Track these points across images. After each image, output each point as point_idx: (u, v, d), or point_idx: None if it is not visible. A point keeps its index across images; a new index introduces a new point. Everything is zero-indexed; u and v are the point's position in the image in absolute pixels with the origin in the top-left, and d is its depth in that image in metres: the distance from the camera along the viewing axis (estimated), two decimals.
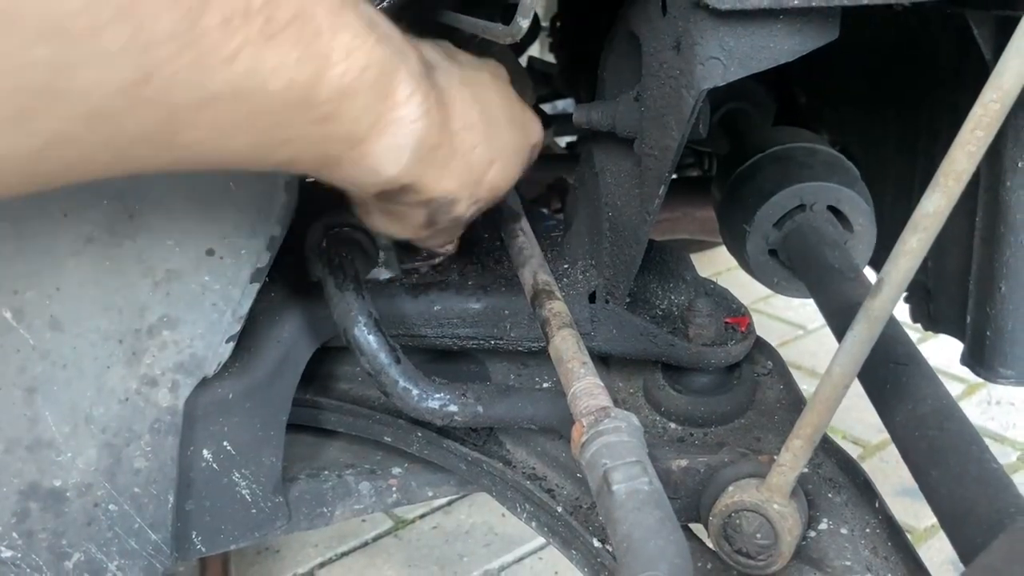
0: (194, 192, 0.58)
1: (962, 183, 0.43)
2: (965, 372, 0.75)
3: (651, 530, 0.42)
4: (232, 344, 0.63)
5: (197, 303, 0.60)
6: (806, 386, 1.70)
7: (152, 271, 0.59)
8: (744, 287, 0.87)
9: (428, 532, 1.39)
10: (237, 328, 0.63)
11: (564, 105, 1.71)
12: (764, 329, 1.97)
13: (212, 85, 0.38)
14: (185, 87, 0.37)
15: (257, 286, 0.62)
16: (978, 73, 0.66)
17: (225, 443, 0.66)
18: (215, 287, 0.60)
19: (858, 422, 1.59)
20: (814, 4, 0.47)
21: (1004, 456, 1.54)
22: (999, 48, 0.63)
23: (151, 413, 0.61)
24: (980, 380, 0.79)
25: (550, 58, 1.73)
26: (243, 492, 0.67)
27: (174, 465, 0.63)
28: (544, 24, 1.72)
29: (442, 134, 0.51)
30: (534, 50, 1.79)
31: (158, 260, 0.58)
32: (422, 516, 1.41)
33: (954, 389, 1.70)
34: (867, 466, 1.54)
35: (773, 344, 0.79)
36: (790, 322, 1.94)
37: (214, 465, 0.66)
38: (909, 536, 0.60)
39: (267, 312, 0.69)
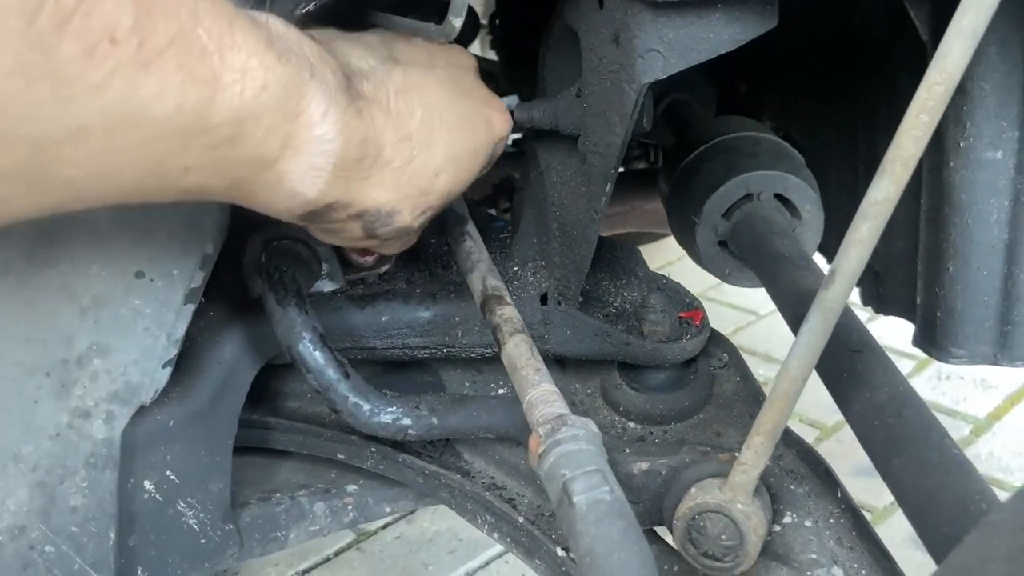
0: (118, 213, 0.55)
1: (910, 169, 0.42)
2: (915, 349, 0.75)
3: (614, 543, 0.41)
4: (169, 369, 0.60)
5: (129, 329, 0.57)
6: (762, 371, 1.72)
7: (77, 298, 0.55)
8: (695, 276, 0.87)
9: (391, 542, 1.37)
10: (174, 352, 0.60)
11: (508, 102, 1.70)
12: (717, 317, 1.98)
13: (79, 117, 0.36)
14: (47, 120, 0.35)
15: (192, 307, 0.59)
16: (912, 54, 0.66)
17: (168, 472, 0.63)
18: (147, 311, 0.58)
19: (814, 404, 1.60)
20: None
21: (957, 430, 1.57)
22: (936, 29, 0.63)
23: (85, 447, 0.58)
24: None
25: (492, 55, 1.71)
26: (190, 522, 0.65)
27: (113, 500, 0.60)
28: (483, 21, 1.70)
29: (366, 147, 0.49)
30: (475, 48, 1.77)
31: (83, 286, 0.55)
32: (384, 526, 1.39)
33: (905, 366, 1.73)
34: (825, 447, 1.57)
35: (726, 331, 0.78)
36: (742, 308, 1.95)
37: (157, 496, 0.63)
38: (869, 515, 0.60)
39: (206, 333, 0.66)
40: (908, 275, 0.76)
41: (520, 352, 0.55)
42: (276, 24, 0.46)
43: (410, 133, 0.52)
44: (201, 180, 0.43)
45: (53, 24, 0.33)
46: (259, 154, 0.44)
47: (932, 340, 0.73)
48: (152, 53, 0.37)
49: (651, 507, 0.56)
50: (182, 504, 0.64)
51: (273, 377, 0.76)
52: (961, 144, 0.65)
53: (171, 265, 0.57)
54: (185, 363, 0.63)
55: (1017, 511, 0.31)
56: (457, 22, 0.48)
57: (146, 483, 0.62)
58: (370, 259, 0.72)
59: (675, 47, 0.49)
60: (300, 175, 0.46)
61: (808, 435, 1.56)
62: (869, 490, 1.31)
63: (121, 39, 0.35)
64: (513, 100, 0.67)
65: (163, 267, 0.57)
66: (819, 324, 0.46)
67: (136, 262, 0.57)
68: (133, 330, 0.58)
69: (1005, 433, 1.55)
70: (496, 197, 1.22)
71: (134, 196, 0.42)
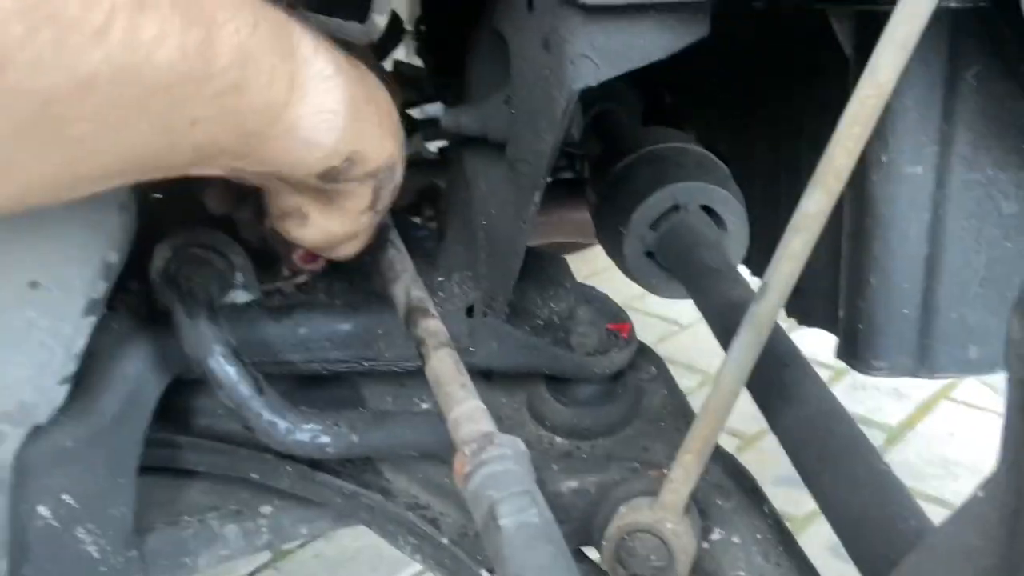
0: (11, 218, 0.51)
1: (842, 180, 0.42)
2: (831, 359, 0.76)
3: (543, 568, 0.39)
4: (68, 386, 0.56)
5: (22, 343, 0.53)
6: (685, 381, 1.73)
7: None
8: (620, 286, 0.87)
9: (310, 561, 1.32)
10: (73, 367, 0.56)
11: (433, 110, 1.68)
12: (641, 326, 1.98)
13: (87, 64, 0.34)
14: (53, 70, 0.33)
15: (94, 319, 0.55)
16: (835, 67, 0.66)
17: (65, 496, 0.59)
18: (43, 323, 0.53)
19: (735, 413, 1.62)
20: None
21: (872, 439, 1.60)
22: (860, 43, 0.64)
23: None
24: (846, 366, 0.82)
25: (418, 61, 1.69)
26: (89, 549, 0.60)
27: (5, 527, 0.55)
28: (408, 27, 1.67)
29: (367, 85, 0.49)
30: (400, 54, 1.74)
31: None
32: (302, 545, 1.34)
33: (822, 376, 1.76)
34: (747, 457, 1.57)
35: (651, 341, 0.78)
36: (666, 318, 1.97)
37: (53, 522, 0.58)
38: (790, 524, 0.60)
39: (110, 347, 0.62)
40: (831, 287, 0.77)
41: (445, 367, 0.53)
42: None
43: (376, 81, 0.53)
44: (210, 134, 0.42)
45: None
46: (267, 100, 0.43)
47: (854, 352, 0.74)
48: None
49: (580, 527, 0.54)
50: (81, 530, 0.60)
51: (182, 392, 0.72)
52: (883, 158, 0.66)
53: (70, 274, 0.53)
54: (86, 379, 0.59)
55: (953, 534, 0.30)
56: (381, 20, 0.46)
57: (41, 508, 0.58)
58: (317, 265, 0.69)
59: (606, 54, 0.47)
60: (315, 121, 0.45)
61: (729, 445, 1.58)
62: (790, 499, 1.33)
63: None
64: (438, 108, 0.66)
65: (61, 276, 0.53)
66: (751, 338, 0.45)
67: (30, 271, 0.52)
68: (27, 344, 0.53)
69: (918, 441, 1.60)
70: (420, 205, 1.20)
71: (144, 158, 0.41)
